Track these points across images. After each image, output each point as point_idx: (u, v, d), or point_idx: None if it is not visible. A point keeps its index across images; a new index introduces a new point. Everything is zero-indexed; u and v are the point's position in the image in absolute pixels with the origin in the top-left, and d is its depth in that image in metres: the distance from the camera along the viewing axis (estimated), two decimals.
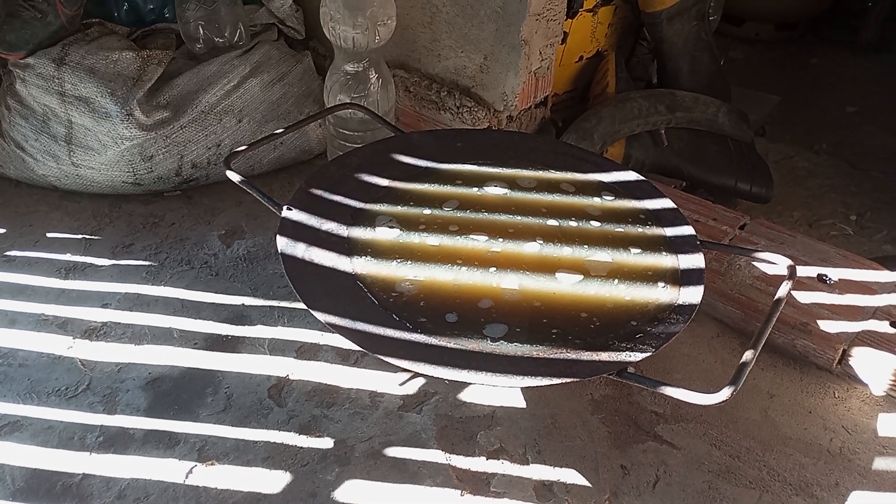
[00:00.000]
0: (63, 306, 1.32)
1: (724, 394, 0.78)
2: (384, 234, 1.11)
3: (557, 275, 1.04)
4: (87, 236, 1.49)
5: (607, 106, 1.62)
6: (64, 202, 1.58)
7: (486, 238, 1.11)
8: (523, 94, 1.52)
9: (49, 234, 1.49)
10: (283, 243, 1.04)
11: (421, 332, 0.94)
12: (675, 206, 1.19)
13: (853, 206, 1.74)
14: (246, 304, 1.34)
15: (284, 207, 1.11)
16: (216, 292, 1.36)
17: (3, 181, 1.62)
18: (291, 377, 1.21)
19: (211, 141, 1.56)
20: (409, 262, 1.06)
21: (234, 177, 1.13)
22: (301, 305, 0.95)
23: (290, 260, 1.03)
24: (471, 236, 1.11)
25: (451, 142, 1.33)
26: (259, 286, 1.38)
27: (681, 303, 1.00)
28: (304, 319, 1.31)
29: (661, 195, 1.22)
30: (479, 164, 1.28)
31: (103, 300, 1.34)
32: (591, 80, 1.85)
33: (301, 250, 1.05)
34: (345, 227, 1.12)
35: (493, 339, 0.93)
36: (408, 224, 1.14)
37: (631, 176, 1.26)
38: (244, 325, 1.30)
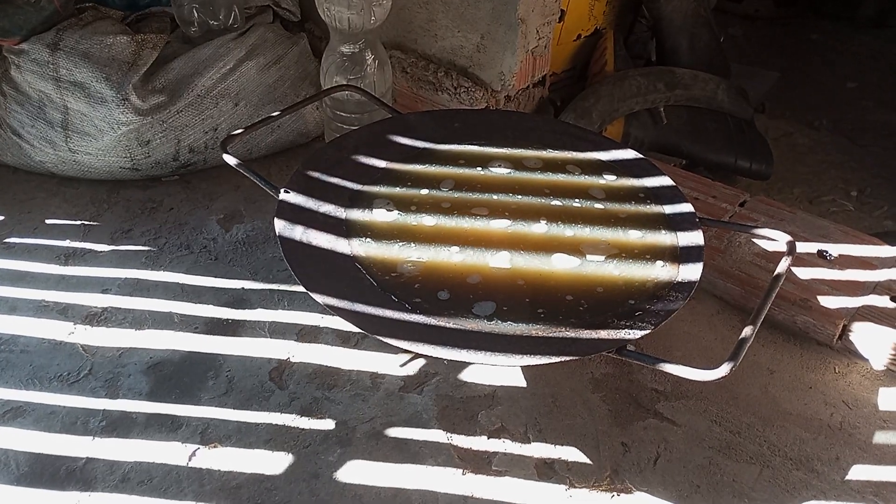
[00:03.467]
0: (63, 292, 1.32)
1: (724, 370, 0.78)
2: (382, 216, 1.11)
3: (556, 255, 1.04)
4: (86, 222, 1.49)
5: (605, 84, 1.61)
6: (62, 188, 1.57)
7: (483, 218, 1.11)
8: (521, 74, 1.51)
9: (48, 221, 1.49)
10: (280, 226, 1.04)
11: (419, 313, 0.94)
12: (674, 184, 1.18)
13: (853, 181, 1.74)
14: (246, 287, 1.34)
15: (282, 190, 1.10)
16: (216, 276, 1.36)
17: (1, 168, 1.61)
18: (292, 360, 1.21)
19: (208, 125, 1.55)
20: (407, 244, 1.06)
21: (230, 160, 1.12)
22: (300, 288, 0.95)
23: (288, 242, 1.03)
24: (467, 217, 1.11)
25: (449, 122, 1.32)
26: (258, 270, 1.38)
27: (680, 280, 1.00)
28: (304, 302, 1.31)
29: (660, 173, 1.21)
30: (476, 145, 1.28)
31: (103, 286, 1.34)
32: (590, 59, 1.84)
33: (299, 233, 1.04)
34: (343, 210, 1.12)
35: (485, 318, 0.93)
36: (405, 205, 1.14)
37: (630, 154, 1.25)
38: (244, 308, 1.30)
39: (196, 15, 1.58)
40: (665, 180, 1.19)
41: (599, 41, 1.81)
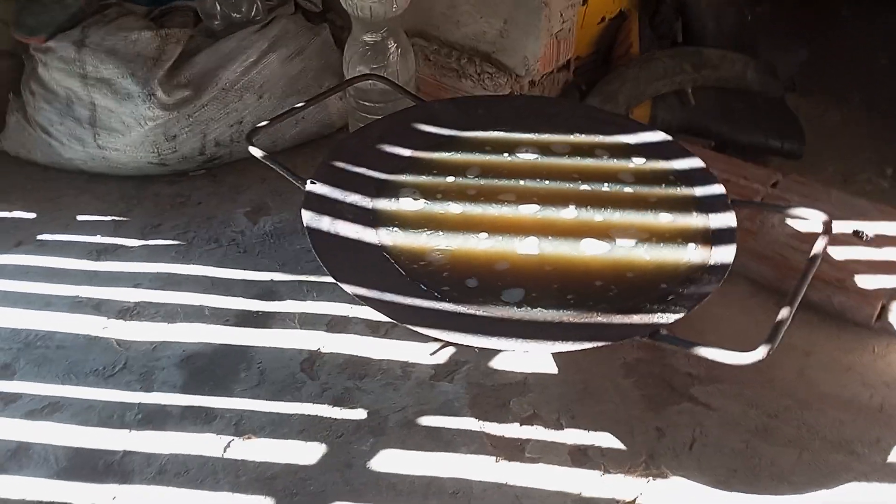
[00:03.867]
0: (96, 287, 1.34)
1: (760, 352, 0.77)
2: (409, 205, 1.11)
3: (585, 240, 1.03)
4: (116, 218, 1.50)
5: (632, 67, 1.58)
6: (91, 185, 1.59)
7: (511, 205, 1.10)
8: (545, 59, 1.50)
9: (79, 217, 1.50)
10: (308, 217, 1.04)
11: (448, 301, 0.94)
12: (705, 166, 1.16)
13: (888, 159, 1.69)
14: (275, 279, 1.35)
15: (308, 181, 1.10)
16: (245, 269, 1.37)
17: (32, 166, 1.63)
18: (323, 350, 1.21)
19: (232, 118, 1.56)
20: (435, 232, 1.05)
21: (256, 152, 1.13)
22: (329, 279, 0.95)
23: (315, 234, 1.03)
24: (495, 204, 1.10)
25: (473, 109, 1.31)
26: (287, 262, 1.38)
27: (713, 263, 0.98)
28: (332, 293, 1.31)
29: (689, 155, 1.19)
30: (501, 131, 1.26)
31: (135, 280, 1.35)
32: (615, 42, 1.81)
33: (326, 224, 1.04)
34: (369, 200, 1.12)
35: (514, 305, 0.92)
36: (432, 194, 1.13)
37: (659, 137, 1.23)
38: (274, 300, 1.31)
39: (218, 8, 1.58)
40: (695, 162, 1.17)
41: (624, 23, 1.79)
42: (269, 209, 1.51)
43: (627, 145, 1.23)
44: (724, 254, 0.99)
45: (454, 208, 1.10)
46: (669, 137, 1.22)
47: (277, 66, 1.58)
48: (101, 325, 1.27)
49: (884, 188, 1.61)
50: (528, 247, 1.03)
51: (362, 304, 0.91)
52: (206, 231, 1.46)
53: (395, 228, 1.07)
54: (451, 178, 1.16)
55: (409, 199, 1.12)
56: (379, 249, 1.03)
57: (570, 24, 1.52)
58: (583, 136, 1.25)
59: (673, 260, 1.00)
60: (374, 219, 1.09)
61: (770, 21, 2.03)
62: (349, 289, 0.93)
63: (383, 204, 1.11)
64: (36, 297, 1.32)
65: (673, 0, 1.89)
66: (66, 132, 1.53)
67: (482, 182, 1.15)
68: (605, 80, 1.58)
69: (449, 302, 0.94)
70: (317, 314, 1.28)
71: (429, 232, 1.06)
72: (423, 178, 1.16)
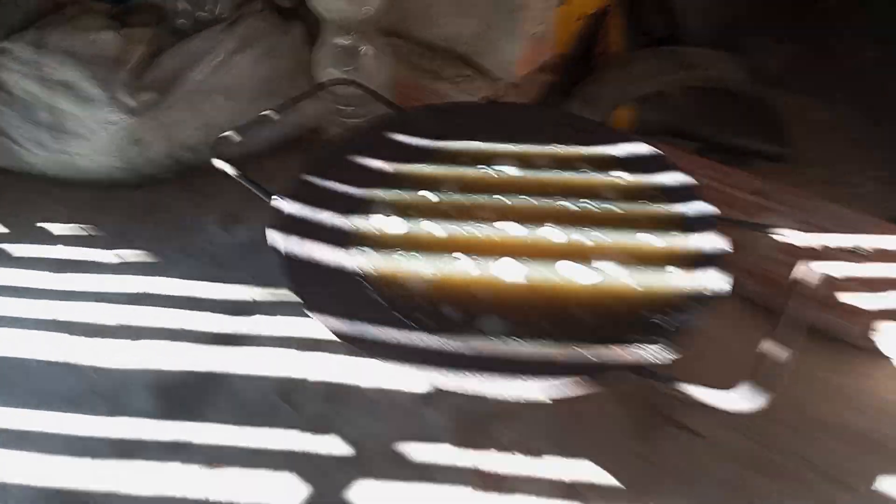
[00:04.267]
0: (62, 303, 1.28)
1: (759, 401, 0.74)
2: (382, 223, 1.06)
3: (567, 263, 0.99)
4: (82, 227, 1.44)
5: (614, 68, 1.54)
6: (56, 190, 1.52)
7: (491, 224, 1.06)
8: (523, 61, 1.44)
9: (43, 226, 1.44)
10: (275, 237, 0.99)
11: (425, 331, 0.90)
12: (691, 182, 1.12)
13: (876, 161, 1.67)
14: (250, 295, 1.30)
15: (273, 197, 1.05)
16: (219, 283, 1.32)
17: None
18: (300, 374, 1.17)
19: (200, 121, 1.49)
20: (410, 254, 1.01)
21: (221, 165, 1.07)
22: None
23: (283, 255, 0.98)
24: (472, 222, 1.06)
25: (451, 117, 1.26)
26: (262, 275, 1.33)
27: (702, 290, 0.95)
28: None
29: (674, 168, 1.15)
30: (479, 141, 1.22)
31: (102, 297, 1.29)
32: (595, 39, 1.76)
33: (296, 244, 1.00)
34: (341, 217, 1.07)
35: (492, 335, 0.89)
36: (406, 211, 1.08)
37: (642, 149, 1.19)
38: (250, 315, 1.26)
39: (182, 6, 1.51)
40: (680, 177, 1.13)
41: (605, 19, 1.74)
42: (242, 218, 1.45)
43: (611, 157, 1.19)
44: (714, 280, 0.96)
45: (429, 227, 1.06)
46: (655, 150, 1.18)
47: (247, 66, 1.52)
48: (68, 345, 1.21)
49: (871, 192, 1.58)
50: (506, 270, 0.98)
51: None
52: (178, 241, 1.40)
53: (369, 249, 1.02)
54: (426, 193, 1.11)
55: (382, 217, 1.07)
56: (352, 273, 0.99)
57: (549, 24, 1.46)
58: (564, 147, 1.21)
59: (659, 287, 0.96)
60: (346, 238, 1.04)
61: (755, 15, 1.99)
62: (319, 318, 0.89)
63: (356, 222, 1.06)
64: None
65: None
66: (26, 136, 1.46)
67: (459, 198, 1.11)
68: (588, 80, 1.54)
69: (426, 332, 0.90)
70: (294, 337, 1.23)
71: (403, 253, 1.01)
72: (398, 194, 1.12)
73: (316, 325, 1.21)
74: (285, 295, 1.30)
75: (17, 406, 1.11)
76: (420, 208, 1.08)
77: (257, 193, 1.04)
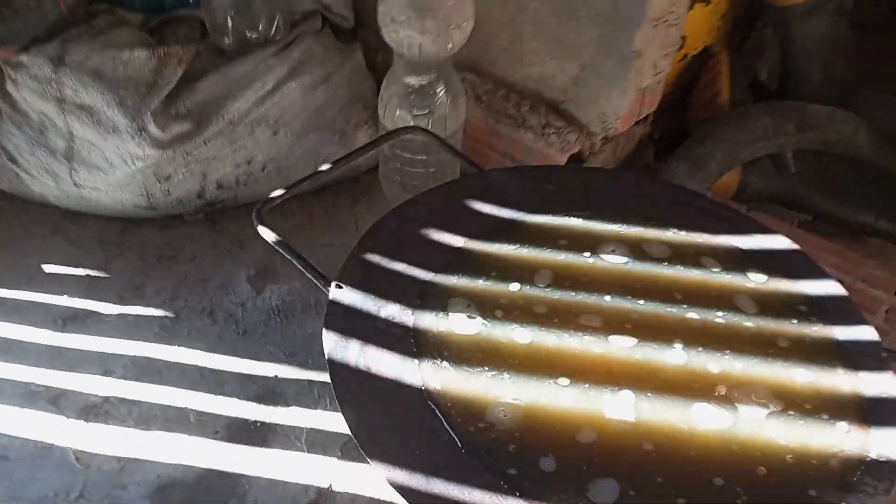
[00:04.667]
0: (57, 372, 1.08)
1: None
2: (462, 325, 0.84)
3: (698, 404, 0.76)
4: (91, 272, 1.24)
5: (724, 125, 1.31)
6: (66, 224, 1.32)
7: (596, 334, 0.83)
8: (629, 114, 1.21)
9: (46, 268, 1.24)
10: (331, 343, 0.78)
11: (517, 494, 0.68)
12: (844, 293, 0.89)
13: None
14: (279, 375, 1.09)
15: (333, 284, 0.84)
16: (243, 357, 1.11)
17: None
18: (335, 487, 0.95)
19: (240, 157, 1.28)
20: (497, 371, 0.79)
21: (268, 235, 0.87)
22: None
23: (340, 369, 0.76)
24: (574, 331, 0.83)
25: (540, 183, 1.04)
26: (296, 350, 1.12)
27: (875, 456, 0.72)
28: None
29: (821, 273, 0.92)
30: (579, 217, 0.99)
31: (106, 364, 1.09)
32: (695, 82, 1.53)
33: (355, 353, 0.78)
34: (410, 312, 0.85)
35: None
36: (491, 309, 0.86)
37: (778, 242, 0.96)
38: (277, 405, 1.05)
39: (231, 23, 1.30)
40: (831, 285, 0.90)
41: (710, 62, 1.51)
42: (277, 274, 1.24)
43: (741, 252, 0.95)
44: (891, 441, 0.73)
45: (521, 334, 0.83)
46: (793, 244, 0.95)
47: (298, 96, 1.31)
48: (59, 426, 1.01)
49: None
50: (620, 406, 0.76)
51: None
52: (198, 298, 1.20)
53: (444, 362, 0.80)
54: (515, 286, 0.89)
55: (463, 316, 0.85)
56: (422, 395, 0.77)
57: (662, 75, 1.24)
58: (683, 232, 0.98)
59: (819, 448, 0.73)
60: (416, 344, 0.82)
61: (888, 69, 1.74)
62: (383, 470, 0.67)
63: (429, 321, 0.84)
64: None
65: (764, 37, 1.61)
66: (36, 163, 1.26)
67: (557, 295, 0.88)
68: (694, 139, 1.31)
69: (518, 496, 0.68)
70: (330, 432, 1.02)
71: (489, 371, 0.79)
72: (480, 283, 0.89)
73: None
74: (320, 379, 1.09)
75: None
76: (510, 306, 0.86)
77: (311, 278, 0.83)
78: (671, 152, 1.37)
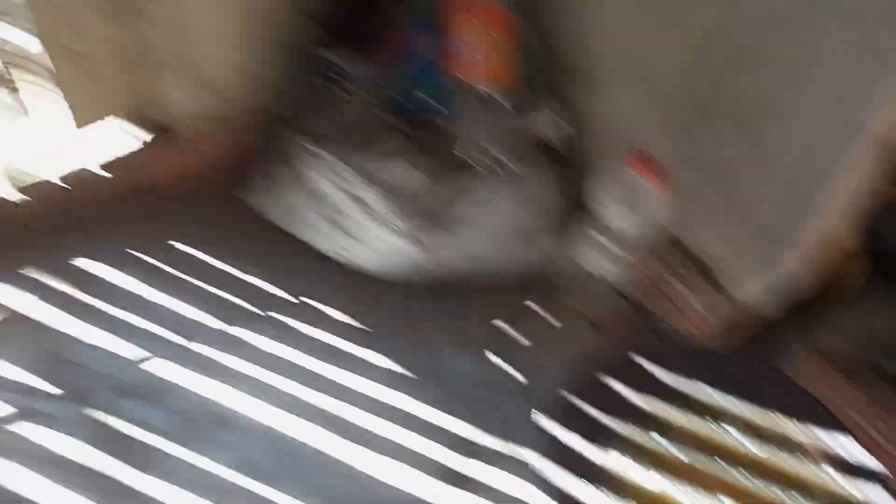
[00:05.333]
0: (326, 397, 1.41)
1: None
2: (622, 466, 1.10)
3: None
4: (354, 320, 1.56)
5: (849, 313, 1.46)
6: (340, 278, 1.64)
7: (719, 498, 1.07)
8: None
9: (319, 307, 1.58)
10: (541, 468, 1.08)
11: None
12: None
13: None
14: (480, 441, 1.38)
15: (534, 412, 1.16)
16: (456, 416, 1.41)
17: (269, 224, 1.71)
18: None
19: (481, 259, 1.67)
20: None
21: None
22: None
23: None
24: (705, 490, 1.09)
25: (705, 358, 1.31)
26: (495, 423, 1.40)
27: None
28: None
29: None
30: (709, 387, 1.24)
31: (360, 398, 1.43)
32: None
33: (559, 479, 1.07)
34: (589, 444, 1.12)
35: None
36: (645, 458, 1.12)
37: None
38: (477, 460, 1.33)
39: (478, 146, 1.66)
40: None
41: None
42: (489, 350, 1.57)
43: (827, 451, 1.16)
44: None
45: (669, 487, 1.10)
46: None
47: (512, 211, 1.68)
48: (338, 444, 1.36)
49: None
50: None
51: None
52: (425, 364, 1.50)
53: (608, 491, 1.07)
54: (662, 441, 1.15)
55: (622, 458, 1.12)
56: None
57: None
58: (793, 424, 1.19)
59: None
60: (592, 473, 1.10)
61: None
62: None
63: (595, 453, 1.12)
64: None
65: None
66: (318, 223, 1.67)
67: (700, 459, 1.13)
68: (814, 325, 1.46)
69: None
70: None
71: None
72: (644, 437, 1.16)
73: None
74: (512, 449, 1.36)
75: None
76: (658, 459, 1.13)
77: None
78: None
